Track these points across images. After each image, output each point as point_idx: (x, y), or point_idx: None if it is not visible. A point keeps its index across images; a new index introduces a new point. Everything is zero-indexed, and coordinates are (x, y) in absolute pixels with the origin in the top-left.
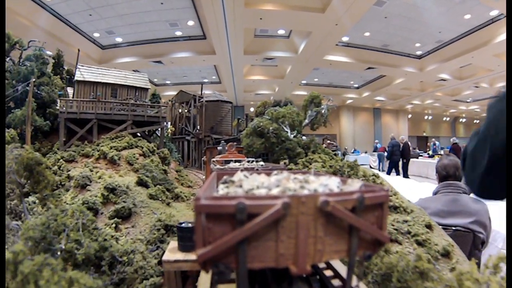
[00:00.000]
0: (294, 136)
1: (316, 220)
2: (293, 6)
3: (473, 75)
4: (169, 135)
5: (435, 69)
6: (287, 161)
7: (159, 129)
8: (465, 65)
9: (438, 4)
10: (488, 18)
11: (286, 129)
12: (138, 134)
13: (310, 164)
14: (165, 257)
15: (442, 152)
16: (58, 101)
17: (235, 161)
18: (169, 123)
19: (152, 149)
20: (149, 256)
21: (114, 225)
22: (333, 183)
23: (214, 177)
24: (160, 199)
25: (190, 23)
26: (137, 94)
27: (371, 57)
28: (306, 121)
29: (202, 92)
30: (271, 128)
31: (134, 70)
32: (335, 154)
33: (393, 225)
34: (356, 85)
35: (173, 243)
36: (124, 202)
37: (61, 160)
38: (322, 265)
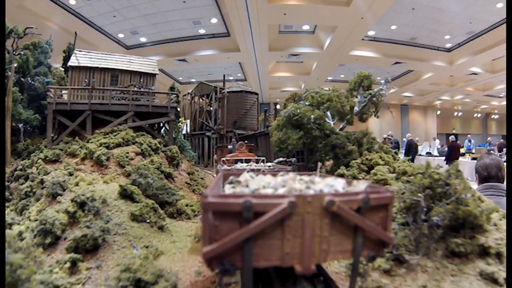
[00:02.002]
0: (340, 129)
1: (322, 219)
2: (317, 0)
3: None
4: (181, 129)
5: (465, 62)
6: (323, 163)
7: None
8: (498, 58)
9: None
10: None
11: (329, 120)
12: (144, 128)
13: (370, 168)
14: None
15: (474, 150)
16: (50, 90)
17: (245, 160)
18: (183, 116)
19: (155, 147)
20: None
21: (69, 264)
22: (338, 184)
23: (220, 177)
24: (147, 220)
25: (214, 20)
26: (141, 80)
27: (398, 51)
28: (357, 108)
29: (224, 84)
30: (312, 116)
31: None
32: (395, 153)
33: None
34: (383, 81)
35: None
36: (88, 227)
37: (39, 161)
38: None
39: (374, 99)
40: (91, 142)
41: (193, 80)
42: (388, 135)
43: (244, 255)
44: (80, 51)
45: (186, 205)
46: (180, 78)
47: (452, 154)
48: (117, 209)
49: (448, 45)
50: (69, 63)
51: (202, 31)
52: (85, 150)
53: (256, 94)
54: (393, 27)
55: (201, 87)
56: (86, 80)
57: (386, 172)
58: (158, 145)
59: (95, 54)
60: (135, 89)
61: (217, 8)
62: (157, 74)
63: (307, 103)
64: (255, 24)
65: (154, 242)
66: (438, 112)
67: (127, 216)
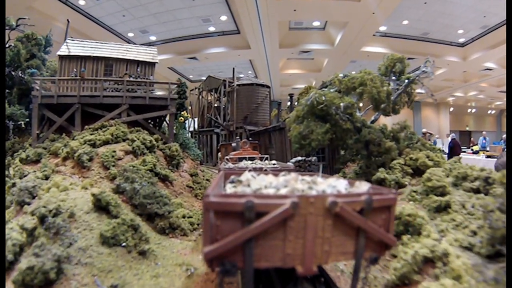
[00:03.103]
0: (372, 121)
1: (324, 220)
2: None
3: None
4: (183, 123)
5: (479, 57)
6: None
7: (171, 117)
8: None
9: None
10: None
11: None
12: (141, 123)
13: (416, 170)
14: None
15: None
16: (36, 82)
17: (249, 158)
18: (190, 112)
19: (150, 144)
20: None
21: None
22: (341, 184)
23: (221, 176)
24: (123, 244)
25: (223, 18)
26: (139, 70)
27: (410, 47)
28: (392, 97)
29: (234, 78)
30: (342, 104)
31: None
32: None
33: None
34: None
35: None
36: (37, 256)
37: (17, 161)
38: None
39: (412, 86)
40: (75, 140)
41: (203, 78)
42: (427, 131)
43: (245, 256)
44: (72, 39)
45: (183, 217)
46: (191, 76)
47: (453, 151)
48: (86, 226)
49: (461, 40)
50: (58, 53)
51: (211, 29)
52: (67, 149)
53: (268, 87)
54: (405, 22)
55: (209, 81)
56: (75, 70)
57: (443, 177)
58: (155, 142)
59: (89, 43)
60: (131, 78)
61: (226, 6)
62: (157, 62)
63: (332, 90)
64: (265, 20)
65: (128, 278)
66: (451, 109)
67: (97, 238)
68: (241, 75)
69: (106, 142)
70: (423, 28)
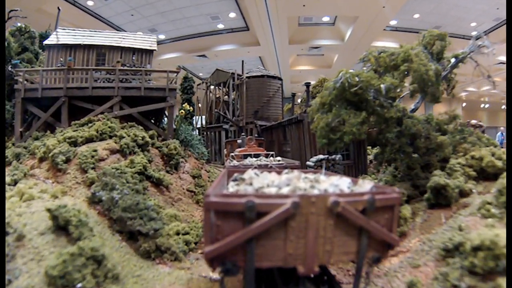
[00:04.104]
0: (413, 110)
1: (326, 220)
2: None
3: None
4: (194, 119)
5: (493, 51)
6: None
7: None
8: None
9: None
10: None
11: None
12: (135, 118)
13: (481, 172)
14: None
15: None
16: (19, 74)
17: (254, 155)
18: (198, 109)
19: (142, 142)
20: None
21: None
22: (343, 183)
23: (225, 174)
24: (77, 285)
25: (232, 15)
26: (134, 58)
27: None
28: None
29: (243, 70)
30: (383, 86)
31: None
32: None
33: None
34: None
35: None
36: None
37: None
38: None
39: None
40: (54, 137)
41: None
42: (477, 122)
43: (247, 256)
44: (63, 29)
45: (177, 233)
46: (200, 74)
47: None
48: (35, 254)
49: (474, 33)
50: (45, 42)
51: (220, 26)
52: (44, 148)
53: (280, 79)
54: (416, 15)
55: (217, 74)
56: (61, 59)
57: None
58: (149, 139)
59: (81, 32)
60: (125, 67)
61: (235, 2)
62: (155, 50)
63: (368, 67)
64: (274, 16)
65: None
66: (464, 104)
67: (44, 274)
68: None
69: (89, 140)
70: (435, 22)
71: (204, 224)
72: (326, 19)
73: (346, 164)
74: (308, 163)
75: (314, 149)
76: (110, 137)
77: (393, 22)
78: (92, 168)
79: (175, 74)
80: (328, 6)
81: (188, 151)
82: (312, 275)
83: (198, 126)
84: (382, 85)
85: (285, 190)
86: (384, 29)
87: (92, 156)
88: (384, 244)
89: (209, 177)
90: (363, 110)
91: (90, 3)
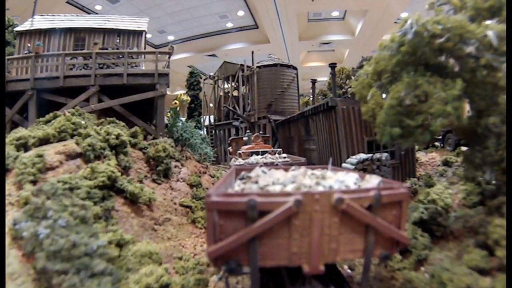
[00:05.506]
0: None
1: (331, 218)
2: None
3: None
4: (201, 118)
5: None
6: None
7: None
8: None
9: None
10: None
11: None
12: (117, 112)
13: None
14: None
15: None
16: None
17: (261, 153)
18: (205, 107)
19: (117, 142)
20: None
21: None
22: (350, 179)
23: (231, 173)
24: None
25: (240, 13)
26: (118, 40)
27: None
28: None
29: (253, 61)
30: (490, 33)
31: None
32: None
33: None
34: None
35: None
36: None
37: None
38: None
39: None
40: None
41: None
42: None
43: (250, 255)
44: (42, 15)
45: None
46: (211, 74)
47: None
48: None
49: None
50: (16, 29)
51: (229, 25)
52: None
53: (295, 68)
54: (427, 6)
55: (225, 67)
56: (29, 45)
57: None
58: (127, 137)
59: (60, 17)
60: (104, 51)
61: (243, 0)
62: (145, 31)
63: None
64: (283, 13)
65: None
66: None
67: None
68: None
69: (44, 141)
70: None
71: (207, 224)
72: (335, 14)
73: (395, 164)
74: (345, 165)
75: (352, 145)
76: (72, 136)
77: (404, 15)
78: (32, 182)
79: (167, 55)
80: (337, 1)
81: (187, 152)
82: (320, 274)
83: (206, 124)
84: (489, 32)
85: (289, 188)
86: (395, 22)
87: (34, 164)
88: (393, 241)
89: (213, 184)
90: (456, 77)
91: (98, 7)
